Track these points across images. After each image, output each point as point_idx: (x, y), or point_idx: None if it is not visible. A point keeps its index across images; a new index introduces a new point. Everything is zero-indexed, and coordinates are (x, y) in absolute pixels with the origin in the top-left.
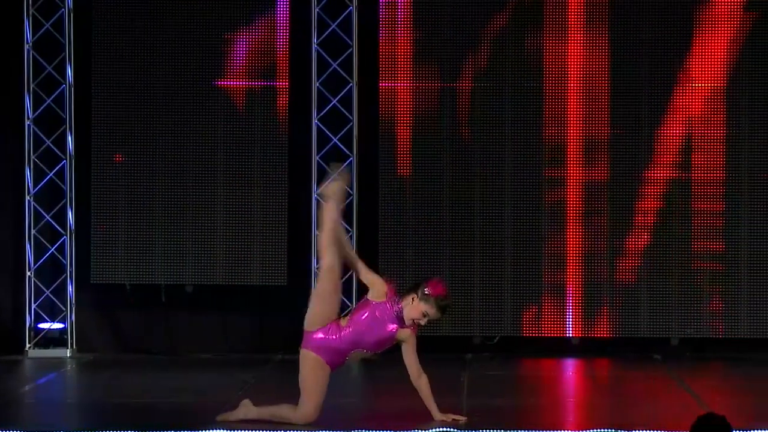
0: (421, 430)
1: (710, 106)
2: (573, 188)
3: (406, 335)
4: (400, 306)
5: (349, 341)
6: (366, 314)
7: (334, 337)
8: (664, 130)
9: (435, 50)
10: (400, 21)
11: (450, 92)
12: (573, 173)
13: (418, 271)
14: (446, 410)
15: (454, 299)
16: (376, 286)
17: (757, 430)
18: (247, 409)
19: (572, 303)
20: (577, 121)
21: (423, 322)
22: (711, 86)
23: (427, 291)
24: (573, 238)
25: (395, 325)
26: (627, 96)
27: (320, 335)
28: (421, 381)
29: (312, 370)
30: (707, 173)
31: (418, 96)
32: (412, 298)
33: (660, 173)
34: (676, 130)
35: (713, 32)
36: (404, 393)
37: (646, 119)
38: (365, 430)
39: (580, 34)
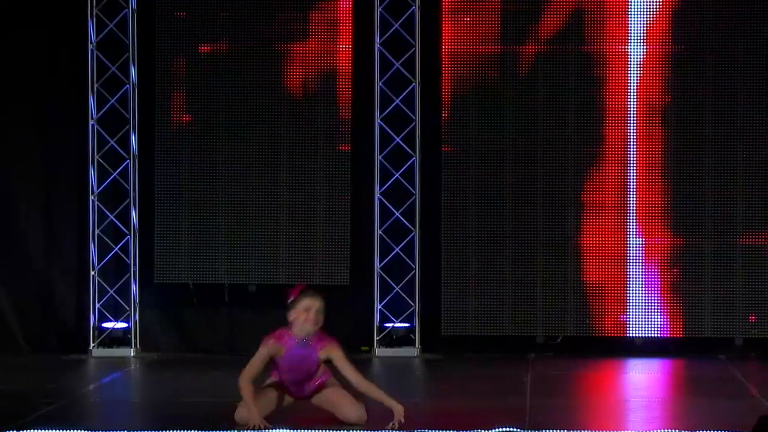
0: (483, 430)
1: None
2: (636, 188)
3: (330, 353)
4: (291, 336)
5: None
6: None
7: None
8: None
9: (498, 50)
10: (463, 21)
11: (514, 92)
12: (638, 170)
13: (480, 272)
14: (504, 411)
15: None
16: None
17: None
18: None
19: (635, 302)
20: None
21: (312, 319)
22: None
23: (290, 299)
24: (635, 237)
25: (311, 350)
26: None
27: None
28: (367, 386)
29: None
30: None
31: (481, 95)
32: (289, 318)
33: (721, 171)
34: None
35: None
36: (467, 393)
37: (713, 109)
38: (428, 430)
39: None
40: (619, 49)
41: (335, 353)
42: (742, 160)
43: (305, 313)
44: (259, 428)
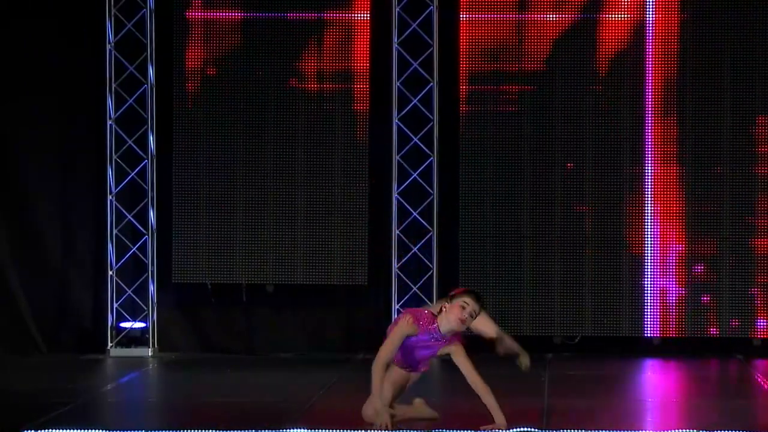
0: (501, 430)
1: None
2: (652, 188)
3: (451, 349)
4: (435, 326)
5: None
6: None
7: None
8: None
9: (516, 50)
10: (481, 20)
11: (532, 93)
12: (654, 170)
13: (497, 272)
14: (522, 411)
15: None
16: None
17: None
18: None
19: (652, 303)
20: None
21: (465, 318)
22: None
23: (452, 293)
24: (653, 238)
25: (438, 344)
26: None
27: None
28: (483, 388)
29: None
30: None
31: (499, 95)
32: (443, 308)
33: (739, 171)
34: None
35: None
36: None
37: (734, 110)
38: (445, 429)
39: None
40: (636, 49)
41: (457, 349)
42: (760, 158)
43: (460, 310)
44: (387, 428)
